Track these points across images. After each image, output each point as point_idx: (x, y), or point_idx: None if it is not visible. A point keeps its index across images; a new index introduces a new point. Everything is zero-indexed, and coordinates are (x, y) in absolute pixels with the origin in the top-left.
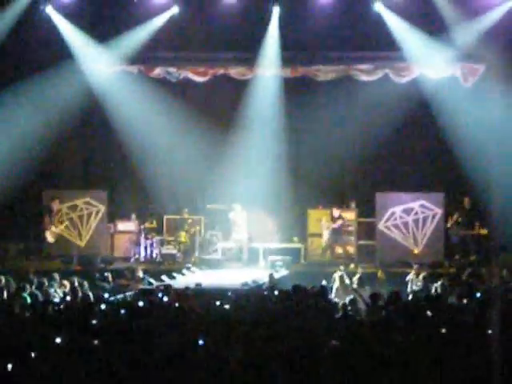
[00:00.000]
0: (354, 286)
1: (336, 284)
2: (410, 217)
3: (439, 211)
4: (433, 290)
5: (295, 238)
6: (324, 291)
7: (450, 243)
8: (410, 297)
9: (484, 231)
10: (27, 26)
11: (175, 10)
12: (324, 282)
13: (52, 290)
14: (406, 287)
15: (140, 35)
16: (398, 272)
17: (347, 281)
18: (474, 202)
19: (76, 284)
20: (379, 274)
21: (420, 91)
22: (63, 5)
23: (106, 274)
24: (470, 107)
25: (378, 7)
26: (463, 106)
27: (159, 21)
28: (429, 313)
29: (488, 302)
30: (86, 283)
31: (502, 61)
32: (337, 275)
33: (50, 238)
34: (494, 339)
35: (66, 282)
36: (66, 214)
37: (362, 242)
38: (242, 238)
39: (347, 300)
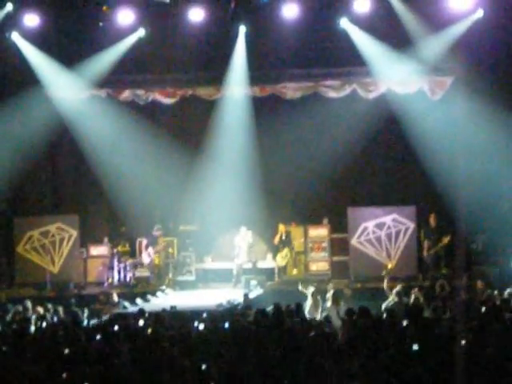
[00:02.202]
0: (329, 302)
1: (309, 301)
2: (383, 231)
3: (412, 225)
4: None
5: (269, 256)
6: (299, 309)
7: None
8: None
9: (447, 238)
10: None
11: (142, 32)
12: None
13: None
14: (383, 301)
15: (107, 59)
16: (373, 287)
17: (319, 298)
18: (441, 217)
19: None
20: (345, 290)
21: (388, 106)
22: (29, 30)
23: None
24: (438, 120)
25: (344, 23)
26: (431, 119)
27: (126, 44)
28: (404, 327)
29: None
30: (60, 309)
31: (469, 73)
32: (309, 292)
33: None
34: (464, 351)
35: (39, 309)
36: (38, 241)
37: (335, 258)
38: (243, 261)
39: (322, 317)
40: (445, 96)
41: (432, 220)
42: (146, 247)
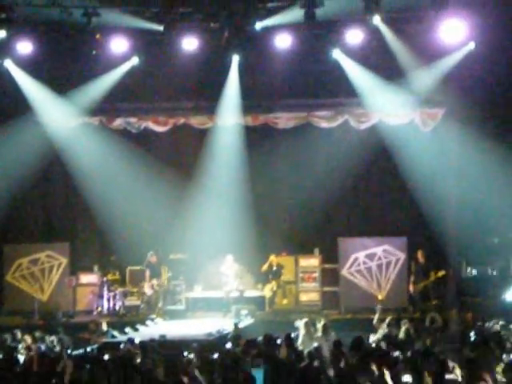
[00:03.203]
0: (319, 333)
1: (302, 332)
2: (374, 262)
3: (402, 256)
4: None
5: (259, 286)
6: (290, 340)
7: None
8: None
9: (441, 273)
10: None
11: (135, 60)
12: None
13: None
14: (371, 333)
15: (100, 87)
16: (364, 318)
17: (312, 328)
18: (431, 249)
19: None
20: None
21: (380, 137)
22: (22, 58)
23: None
24: (429, 152)
25: (336, 54)
26: (423, 150)
27: (119, 72)
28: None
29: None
30: (47, 338)
31: (460, 105)
32: (301, 323)
33: None
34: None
35: (27, 337)
36: (28, 269)
37: (326, 289)
38: (231, 289)
39: (312, 348)
40: (436, 128)
41: (420, 255)
42: (150, 278)
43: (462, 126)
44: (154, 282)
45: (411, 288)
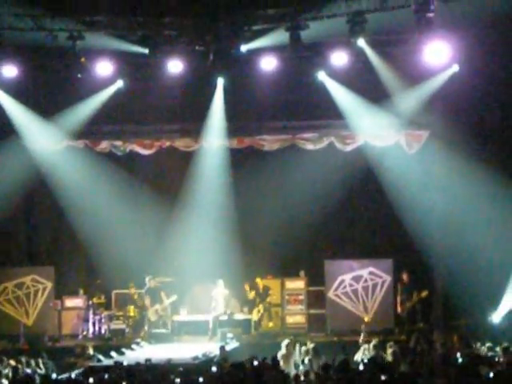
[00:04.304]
0: (309, 356)
1: (282, 352)
2: (360, 284)
3: (388, 278)
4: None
5: (245, 309)
6: (275, 363)
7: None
8: (361, 365)
9: (425, 293)
10: None
11: (120, 83)
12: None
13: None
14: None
15: (85, 110)
16: (350, 340)
17: (293, 349)
18: (417, 271)
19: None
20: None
21: (365, 158)
22: (7, 81)
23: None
24: (414, 173)
25: (322, 76)
26: (408, 172)
27: (104, 95)
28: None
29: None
30: (33, 362)
31: (444, 127)
32: (283, 344)
33: None
34: None
35: (12, 362)
36: (13, 292)
37: (312, 311)
38: (220, 313)
39: (301, 371)
40: (421, 149)
41: (405, 276)
42: (152, 304)
43: (447, 147)
44: (158, 307)
45: (398, 309)
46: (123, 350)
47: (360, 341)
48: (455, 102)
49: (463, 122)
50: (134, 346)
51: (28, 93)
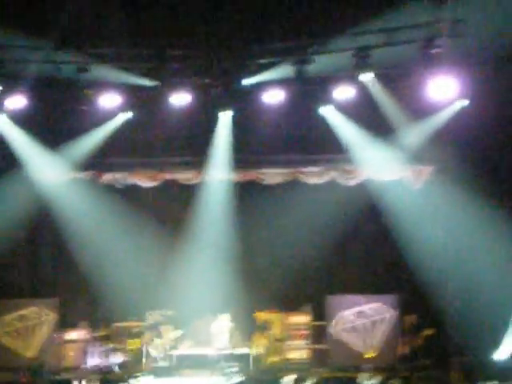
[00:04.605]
0: None
1: None
2: (364, 320)
3: (392, 314)
4: None
5: (247, 343)
6: None
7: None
8: None
9: (430, 331)
10: None
11: (125, 115)
12: None
13: None
14: None
15: (90, 142)
16: (353, 376)
17: None
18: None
19: None
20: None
21: (368, 193)
22: (13, 113)
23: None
24: (419, 209)
25: (325, 110)
26: (412, 207)
27: (109, 127)
28: None
29: None
30: None
31: (450, 162)
32: (290, 380)
33: None
34: None
35: None
36: (15, 324)
37: (315, 346)
38: (223, 347)
39: None
40: (426, 185)
41: (413, 319)
42: (154, 338)
43: (453, 183)
44: (159, 341)
45: (402, 347)
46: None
47: (361, 378)
48: (461, 138)
49: (469, 157)
50: (134, 379)
51: (34, 124)
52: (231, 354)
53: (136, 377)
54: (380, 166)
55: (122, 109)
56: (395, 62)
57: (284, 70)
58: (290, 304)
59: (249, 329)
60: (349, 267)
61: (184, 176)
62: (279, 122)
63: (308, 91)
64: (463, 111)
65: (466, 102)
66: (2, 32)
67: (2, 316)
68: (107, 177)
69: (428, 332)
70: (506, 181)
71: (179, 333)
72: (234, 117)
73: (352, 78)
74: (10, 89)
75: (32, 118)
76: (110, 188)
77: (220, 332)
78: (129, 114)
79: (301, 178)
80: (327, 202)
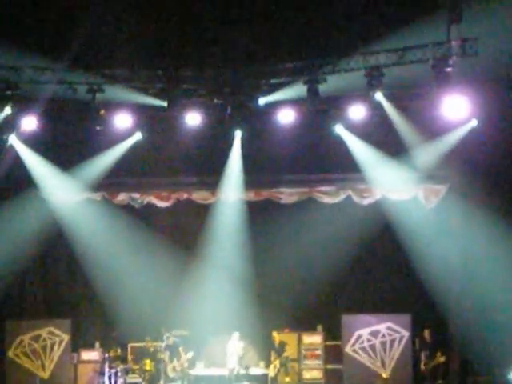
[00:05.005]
0: None
1: None
2: (378, 339)
3: (406, 334)
4: None
5: (261, 363)
6: None
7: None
8: None
9: (442, 359)
10: None
11: (138, 136)
12: None
13: None
14: None
15: (103, 162)
16: None
17: None
18: (435, 327)
19: None
20: None
21: (383, 212)
22: (26, 134)
23: None
24: (432, 228)
25: (339, 129)
26: (426, 226)
27: (122, 147)
28: None
29: None
30: None
31: (463, 181)
32: None
33: None
34: None
35: None
36: (29, 345)
37: (329, 366)
38: (235, 367)
39: None
40: (439, 204)
41: (427, 335)
42: (171, 360)
43: (466, 202)
44: (176, 363)
45: (422, 366)
46: None
47: None
48: (474, 157)
49: (482, 176)
50: None
51: (47, 145)
52: (246, 374)
53: None
54: (394, 185)
55: (135, 129)
56: (407, 82)
57: (296, 90)
58: (304, 324)
59: (263, 349)
60: (363, 286)
61: (199, 196)
62: (293, 142)
63: (321, 111)
64: (476, 130)
65: (477, 121)
66: (15, 54)
67: (18, 336)
68: (121, 197)
69: (441, 358)
70: None
71: (191, 354)
72: (247, 136)
73: (364, 98)
74: (24, 110)
75: (45, 139)
76: (124, 208)
77: (233, 351)
78: (141, 135)
79: (316, 197)
80: (341, 221)
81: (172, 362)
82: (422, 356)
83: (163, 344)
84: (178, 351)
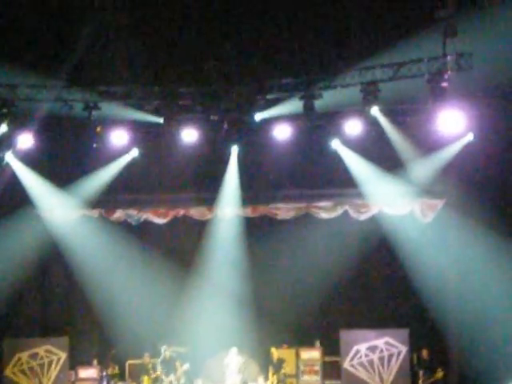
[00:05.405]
0: None
1: None
2: (376, 354)
3: (404, 348)
4: None
5: (260, 379)
6: None
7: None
8: None
9: (441, 374)
10: None
11: (135, 152)
12: None
13: None
14: None
15: (100, 179)
16: None
17: None
18: (433, 343)
19: None
20: None
21: (380, 227)
22: (23, 151)
23: None
24: (429, 242)
25: (335, 145)
26: (423, 241)
27: (119, 164)
28: None
29: None
30: None
31: (460, 195)
32: None
33: None
34: None
35: None
36: (27, 363)
37: (327, 382)
38: (234, 382)
39: None
40: (436, 218)
41: (425, 354)
42: (167, 374)
43: (462, 216)
44: (172, 377)
45: (420, 383)
46: None
47: None
48: (470, 171)
49: (478, 190)
50: None
51: (43, 162)
52: None
53: None
54: (390, 199)
55: (131, 146)
56: (403, 96)
57: (293, 106)
58: (301, 339)
59: (261, 365)
60: (360, 301)
61: (196, 212)
62: (290, 157)
63: (317, 126)
64: (472, 144)
65: (473, 135)
66: (11, 71)
67: (16, 354)
68: (117, 214)
69: (439, 374)
70: None
71: (186, 366)
72: (243, 152)
73: (360, 113)
74: (20, 127)
75: (42, 156)
76: (121, 225)
77: (232, 367)
78: (138, 151)
79: (313, 213)
80: (339, 236)
81: (168, 376)
82: (420, 373)
83: (160, 358)
84: (174, 365)
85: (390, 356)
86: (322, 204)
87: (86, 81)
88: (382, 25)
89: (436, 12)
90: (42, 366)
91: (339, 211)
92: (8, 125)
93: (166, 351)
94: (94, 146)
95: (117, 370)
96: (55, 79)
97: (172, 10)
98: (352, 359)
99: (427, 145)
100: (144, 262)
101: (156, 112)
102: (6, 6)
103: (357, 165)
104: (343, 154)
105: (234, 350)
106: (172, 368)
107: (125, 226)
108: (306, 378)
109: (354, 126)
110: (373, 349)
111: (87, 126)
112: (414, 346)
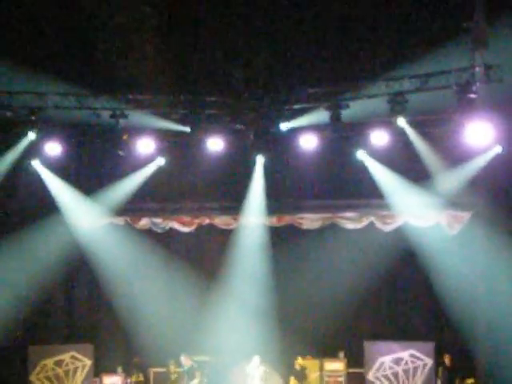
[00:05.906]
0: None
1: None
2: (400, 367)
3: (429, 361)
4: None
5: None
6: None
7: None
8: None
9: (470, 380)
10: (15, 179)
11: (161, 161)
12: None
13: None
14: None
15: (126, 187)
16: None
17: None
18: (459, 354)
19: None
20: None
21: (406, 238)
22: (50, 159)
23: None
24: (455, 255)
25: (361, 155)
26: (449, 253)
27: (145, 172)
28: None
29: None
30: None
31: (487, 208)
32: None
33: None
34: None
35: None
36: (52, 370)
37: None
38: None
39: None
40: (463, 230)
41: (447, 360)
42: (188, 383)
43: (490, 228)
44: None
45: None
46: None
47: None
48: (498, 183)
49: (506, 203)
50: None
51: (70, 170)
52: None
53: None
54: (417, 211)
55: (158, 154)
56: (430, 108)
57: (319, 116)
58: (325, 350)
59: (283, 375)
60: (385, 313)
61: (221, 221)
62: (316, 168)
63: (343, 136)
64: (500, 156)
65: (501, 148)
66: (39, 80)
67: (41, 361)
68: (143, 221)
69: (469, 381)
70: None
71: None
72: (269, 162)
73: (387, 124)
74: (48, 135)
75: (69, 164)
76: (146, 233)
77: (255, 376)
78: (164, 160)
79: (338, 223)
80: (364, 247)
81: None
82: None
83: (182, 367)
84: (193, 375)
85: (415, 369)
86: (348, 214)
87: (114, 89)
88: (409, 35)
89: (464, 23)
90: (67, 372)
91: (365, 222)
92: (36, 132)
93: (186, 359)
94: (121, 154)
95: (141, 378)
96: (83, 87)
97: (200, 19)
98: (377, 371)
99: (454, 156)
100: (169, 270)
101: (182, 121)
102: (36, 15)
103: (383, 176)
104: (369, 165)
105: (257, 358)
106: (193, 376)
107: (150, 233)
108: None
109: (380, 137)
110: (397, 361)
111: (114, 134)
112: (440, 359)
